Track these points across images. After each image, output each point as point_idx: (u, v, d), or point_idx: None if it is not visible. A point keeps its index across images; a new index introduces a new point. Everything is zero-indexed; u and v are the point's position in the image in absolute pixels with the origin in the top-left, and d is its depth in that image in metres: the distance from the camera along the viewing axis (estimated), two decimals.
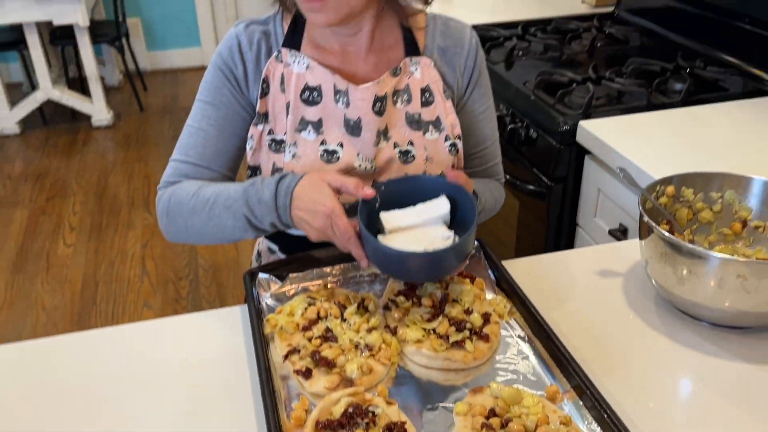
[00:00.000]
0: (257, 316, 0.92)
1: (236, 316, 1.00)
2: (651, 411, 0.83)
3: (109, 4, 4.54)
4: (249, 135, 1.10)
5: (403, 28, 1.12)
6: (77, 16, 3.75)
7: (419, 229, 0.94)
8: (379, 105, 1.07)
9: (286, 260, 1.06)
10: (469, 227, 0.90)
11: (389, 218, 0.95)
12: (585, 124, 1.53)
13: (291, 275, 1.02)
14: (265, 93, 1.08)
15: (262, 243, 1.27)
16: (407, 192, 0.97)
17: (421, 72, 1.10)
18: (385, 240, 0.93)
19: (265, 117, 1.09)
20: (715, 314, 0.94)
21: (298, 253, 1.05)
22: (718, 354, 0.92)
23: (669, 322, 0.97)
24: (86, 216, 3.28)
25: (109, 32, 4.21)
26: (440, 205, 0.96)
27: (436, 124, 1.11)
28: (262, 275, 1.01)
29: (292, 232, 1.14)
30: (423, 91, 1.10)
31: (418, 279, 0.97)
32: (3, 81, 3.97)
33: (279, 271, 1.02)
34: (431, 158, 1.10)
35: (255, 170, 1.11)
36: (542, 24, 2.26)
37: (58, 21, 3.77)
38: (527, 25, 2.23)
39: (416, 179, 1.01)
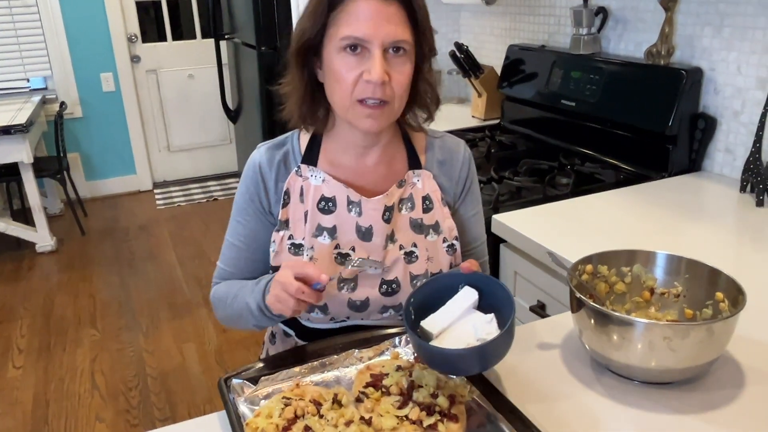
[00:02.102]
0: (238, 422, 0.84)
1: (214, 423, 0.91)
2: None
3: (50, 142, 4.38)
4: (272, 240, 1.08)
5: (406, 145, 1.13)
6: (22, 155, 3.57)
7: (461, 322, 0.90)
8: (388, 214, 1.07)
9: (256, 364, 0.98)
10: (499, 306, 0.89)
11: (431, 324, 0.90)
12: (498, 217, 1.56)
13: (262, 378, 0.94)
14: (286, 203, 1.08)
15: (277, 326, 1.20)
16: (432, 294, 0.94)
17: (422, 182, 1.11)
18: (441, 344, 0.88)
19: (286, 224, 1.08)
20: (645, 373, 0.93)
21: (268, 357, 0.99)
22: (653, 408, 0.90)
23: (606, 384, 0.96)
24: (34, 338, 3.01)
25: (51, 167, 4.03)
26: (468, 295, 0.92)
27: (435, 227, 1.11)
28: (235, 380, 0.93)
29: (305, 323, 1.11)
30: (424, 199, 1.11)
31: (493, 364, 0.90)
32: None
33: (251, 374, 0.94)
34: (432, 258, 1.09)
35: (276, 270, 1.07)
36: None
37: (4, 160, 3.58)
38: None
39: (436, 280, 0.97)
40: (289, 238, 1.08)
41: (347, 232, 1.07)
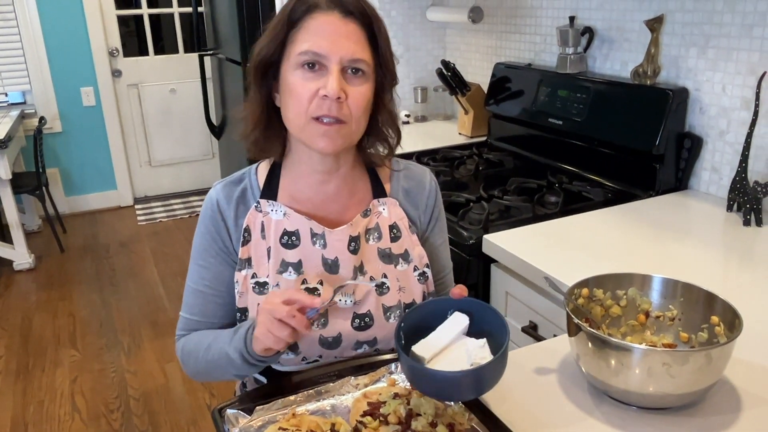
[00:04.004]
0: None
1: None
2: None
3: (29, 158, 4.32)
4: (235, 280, 1.05)
5: (370, 173, 1.11)
6: (0, 171, 3.52)
7: (453, 347, 0.89)
8: (354, 244, 1.05)
9: (252, 393, 0.97)
10: (491, 331, 0.89)
11: (423, 348, 0.89)
12: (488, 238, 1.56)
13: (257, 407, 0.93)
14: (246, 240, 1.04)
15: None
16: (421, 320, 0.93)
17: (388, 211, 1.09)
18: (435, 367, 0.87)
19: (248, 262, 1.04)
20: (643, 399, 0.93)
21: (263, 384, 0.97)
22: None
23: (604, 410, 0.96)
24: (12, 358, 2.94)
25: (29, 183, 3.97)
26: (459, 320, 0.91)
27: (405, 256, 1.09)
28: (230, 411, 0.91)
29: (276, 367, 1.07)
30: (391, 228, 1.09)
31: (487, 389, 0.87)
32: None
33: (246, 404, 0.93)
34: (403, 288, 1.07)
35: (243, 311, 1.05)
36: (432, 153, 2.34)
37: None
38: (420, 155, 2.30)
39: (425, 306, 0.97)
40: (253, 277, 1.04)
41: (313, 265, 1.05)
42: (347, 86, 0.95)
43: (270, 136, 1.04)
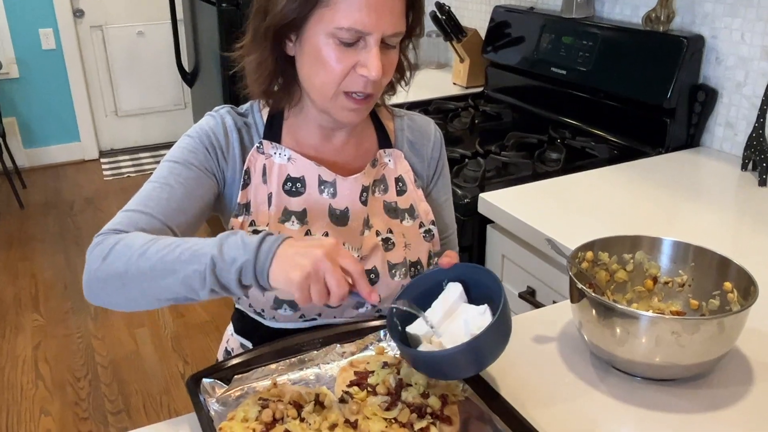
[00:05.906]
0: (210, 426, 0.81)
1: (182, 427, 0.88)
2: None
3: None
4: (230, 227, 1.02)
5: (374, 122, 1.10)
6: None
7: (450, 320, 0.87)
8: (365, 195, 1.04)
9: (230, 361, 0.95)
10: (491, 295, 0.86)
11: (418, 328, 0.88)
12: (484, 196, 1.55)
13: (236, 377, 0.92)
14: (246, 184, 1.02)
15: (233, 340, 1.16)
16: (418, 298, 0.90)
17: (394, 162, 1.09)
18: (432, 347, 0.85)
19: (246, 208, 1.03)
20: (649, 369, 0.93)
21: (242, 352, 0.96)
22: (656, 406, 0.91)
23: (606, 381, 0.96)
24: None
25: None
26: (453, 291, 0.89)
27: (411, 211, 1.09)
28: (206, 380, 0.90)
29: (269, 323, 1.05)
30: (397, 180, 1.09)
31: (490, 361, 0.85)
32: None
33: (223, 373, 0.92)
34: (409, 245, 1.07)
35: None
36: (424, 105, 2.31)
37: None
38: (411, 106, 2.25)
39: (416, 284, 0.93)
40: (251, 224, 1.03)
41: (319, 216, 1.03)
42: (382, 59, 0.93)
43: (284, 87, 1.01)
